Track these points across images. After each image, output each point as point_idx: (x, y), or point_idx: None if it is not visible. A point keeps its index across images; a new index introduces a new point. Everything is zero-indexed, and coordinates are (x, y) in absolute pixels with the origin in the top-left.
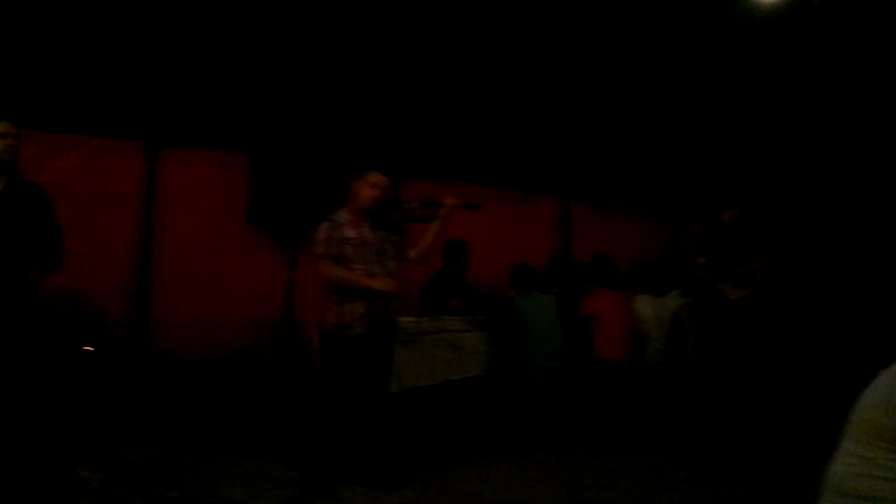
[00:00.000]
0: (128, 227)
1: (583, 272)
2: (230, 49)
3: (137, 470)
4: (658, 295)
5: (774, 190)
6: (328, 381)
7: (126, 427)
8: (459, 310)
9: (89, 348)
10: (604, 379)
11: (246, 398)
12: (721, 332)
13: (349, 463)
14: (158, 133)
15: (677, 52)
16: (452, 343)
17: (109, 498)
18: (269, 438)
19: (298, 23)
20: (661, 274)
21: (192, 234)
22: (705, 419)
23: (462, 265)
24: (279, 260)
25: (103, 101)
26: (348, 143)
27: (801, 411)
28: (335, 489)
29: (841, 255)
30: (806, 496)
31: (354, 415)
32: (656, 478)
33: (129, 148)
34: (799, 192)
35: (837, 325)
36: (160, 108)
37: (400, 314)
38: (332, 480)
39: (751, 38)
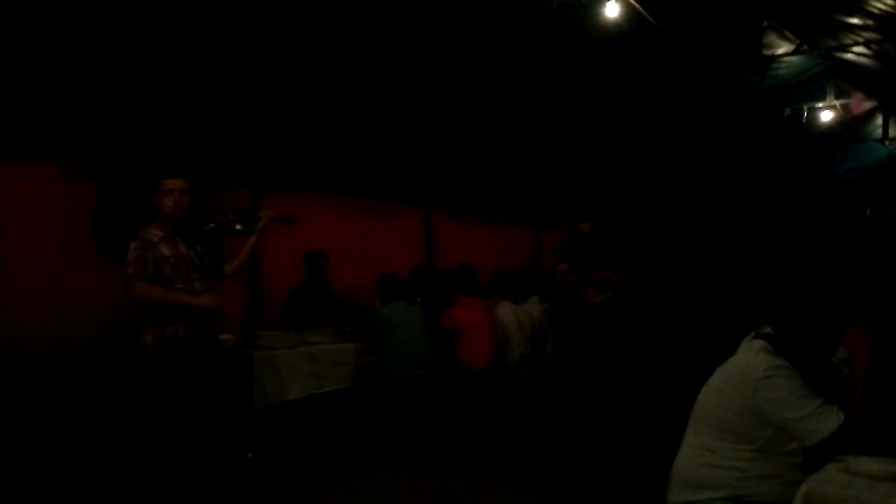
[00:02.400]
0: None
1: (447, 281)
2: (70, 54)
3: None
4: (519, 302)
5: (629, 200)
6: (150, 409)
7: None
8: (324, 321)
9: None
10: (469, 386)
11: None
12: (584, 334)
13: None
14: None
15: (527, 66)
16: (317, 356)
17: None
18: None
19: (142, 23)
20: (521, 281)
21: (39, 252)
22: (568, 420)
23: (323, 275)
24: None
25: None
26: (202, 152)
27: (657, 408)
28: None
29: (690, 262)
30: (662, 491)
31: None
32: (523, 481)
33: None
34: (652, 203)
35: (684, 326)
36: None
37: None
38: None
39: (596, 57)
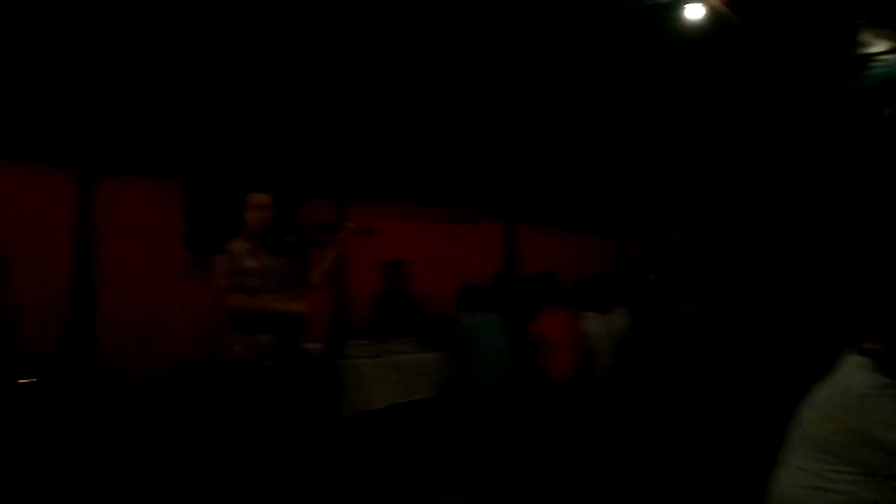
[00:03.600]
0: (64, 258)
1: (530, 290)
2: (162, 75)
3: None
4: (604, 312)
5: (716, 208)
6: (240, 417)
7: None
8: (407, 331)
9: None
10: (554, 397)
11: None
12: (676, 345)
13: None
14: (91, 160)
15: (614, 76)
16: (401, 365)
17: None
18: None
19: (228, 46)
20: (606, 291)
21: (133, 260)
22: (657, 435)
23: (401, 283)
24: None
25: (32, 127)
26: (289, 165)
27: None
28: None
29: (781, 272)
30: None
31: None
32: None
33: (59, 175)
34: (741, 210)
35: (777, 339)
36: (92, 136)
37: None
38: None
39: (688, 63)
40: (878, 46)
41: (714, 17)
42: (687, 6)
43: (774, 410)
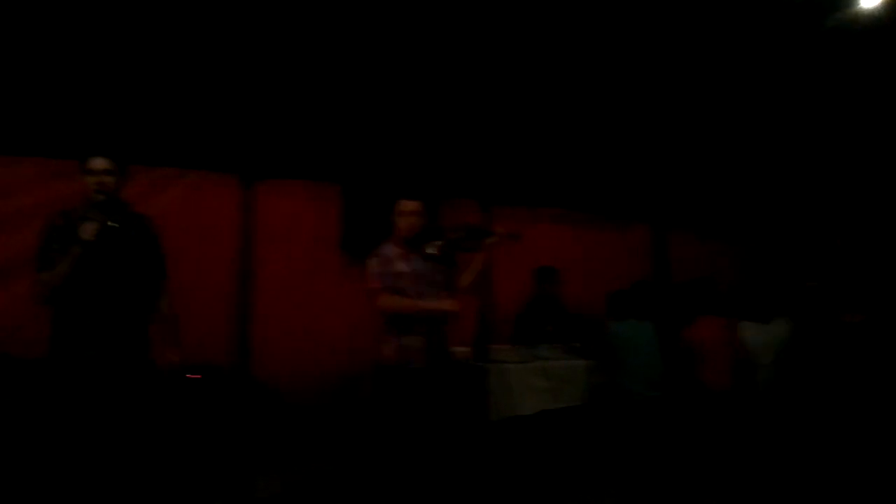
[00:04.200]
0: (227, 259)
1: (683, 297)
2: (321, 83)
3: None
4: (764, 321)
5: (879, 215)
6: (389, 418)
7: (241, 459)
8: (554, 337)
9: (195, 376)
10: (709, 409)
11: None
12: (843, 357)
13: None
14: (253, 166)
15: (769, 78)
16: (549, 371)
17: None
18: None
19: (382, 56)
20: (765, 298)
21: (289, 264)
22: (819, 456)
23: (554, 291)
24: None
25: (200, 135)
26: (437, 169)
27: None
28: None
29: None
30: None
31: (428, 451)
32: None
33: (225, 181)
34: None
35: None
36: (254, 142)
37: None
38: None
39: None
40: None
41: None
42: None
43: None
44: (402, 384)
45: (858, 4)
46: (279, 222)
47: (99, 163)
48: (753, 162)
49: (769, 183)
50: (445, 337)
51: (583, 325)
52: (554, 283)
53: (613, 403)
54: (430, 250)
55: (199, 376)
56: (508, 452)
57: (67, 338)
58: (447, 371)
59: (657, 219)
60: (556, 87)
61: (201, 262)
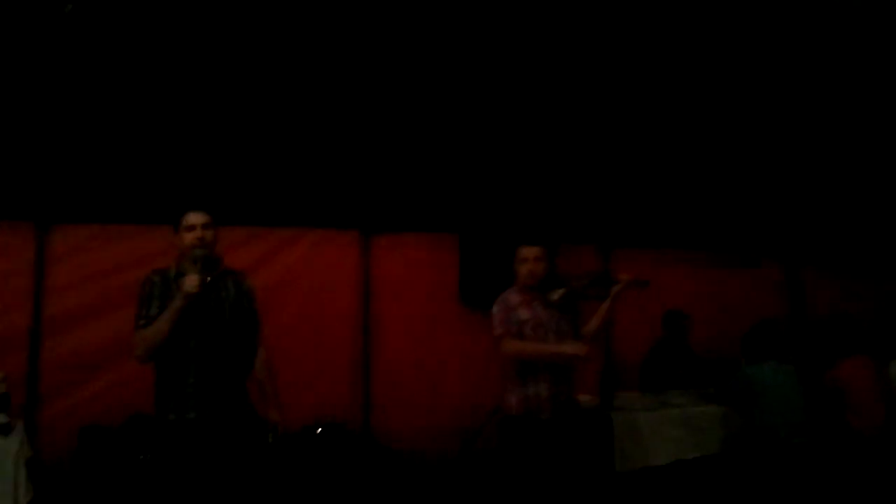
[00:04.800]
0: (347, 314)
1: (825, 336)
2: (435, 134)
3: None
4: None
5: None
6: (515, 471)
7: None
8: (685, 382)
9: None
10: (859, 455)
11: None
12: None
13: None
14: (371, 220)
15: None
16: (681, 419)
17: None
18: None
19: (494, 104)
20: None
21: (407, 317)
22: None
23: (683, 335)
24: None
25: (318, 194)
26: (554, 213)
27: None
28: None
29: None
30: None
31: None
32: None
33: (344, 237)
34: None
35: None
36: (371, 196)
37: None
38: None
39: None
40: None
41: None
42: None
43: None
44: (529, 436)
45: None
46: (397, 275)
47: (197, 217)
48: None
49: None
50: (572, 385)
51: (714, 369)
52: (684, 327)
53: (754, 451)
54: (553, 297)
55: (318, 432)
56: None
57: (173, 398)
58: (575, 421)
59: (790, 256)
60: (678, 123)
61: (323, 319)
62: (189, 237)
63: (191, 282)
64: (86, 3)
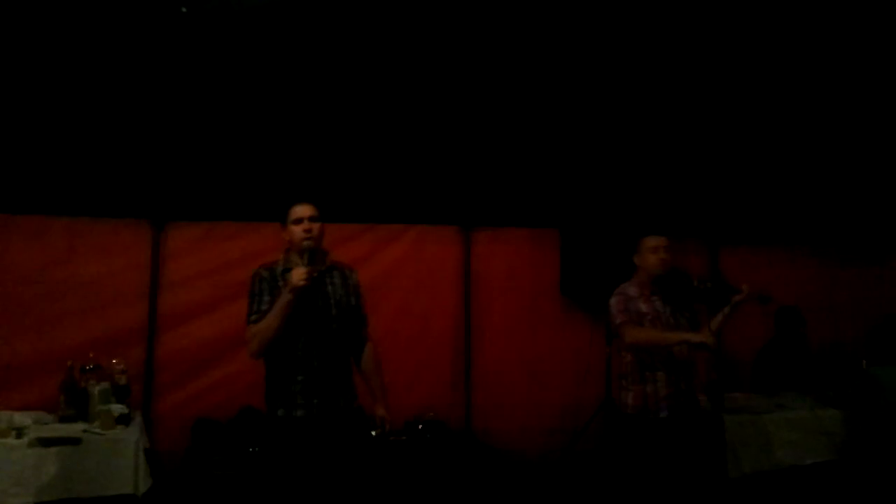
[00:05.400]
0: (448, 310)
1: None
2: (536, 130)
3: None
4: None
5: None
6: (632, 472)
7: None
8: (800, 384)
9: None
10: None
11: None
12: None
13: None
14: (471, 215)
15: None
16: (796, 422)
17: None
18: None
19: (595, 98)
20: None
21: (508, 312)
22: None
23: (798, 334)
24: (596, 336)
25: (420, 190)
26: (659, 210)
27: None
28: None
29: None
30: None
31: None
32: None
33: (446, 233)
34: None
35: None
36: (472, 191)
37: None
38: None
39: None
40: None
41: None
42: None
43: None
44: (646, 434)
45: None
46: (498, 271)
47: (305, 209)
48: None
49: None
50: (692, 384)
51: (833, 370)
52: (798, 325)
53: (878, 459)
54: (672, 294)
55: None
56: None
57: (282, 395)
58: (694, 421)
59: None
60: (795, 114)
61: (425, 315)
62: (296, 230)
63: (298, 275)
64: (200, 6)
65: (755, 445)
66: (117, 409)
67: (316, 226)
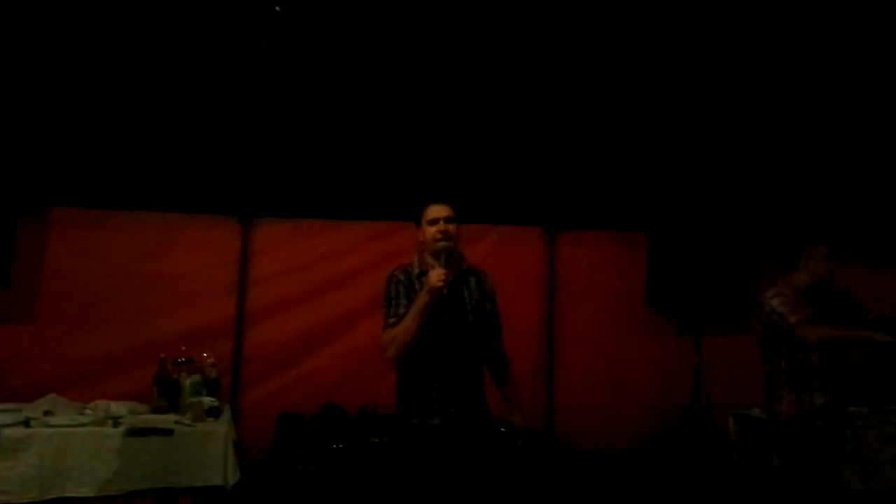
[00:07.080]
0: (531, 311)
1: None
2: (628, 132)
3: None
4: None
5: None
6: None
7: None
8: None
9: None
10: None
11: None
12: None
13: None
14: (556, 216)
15: None
16: None
17: None
18: None
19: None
20: None
21: (591, 316)
22: None
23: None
24: (683, 343)
25: (503, 190)
26: (751, 219)
27: None
28: None
29: None
30: None
31: None
32: None
33: (529, 233)
34: None
35: None
36: (557, 192)
37: None
38: None
39: None
40: None
41: None
42: None
43: None
44: (804, 441)
45: None
46: (582, 273)
47: (441, 209)
48: None
49: None
50: (846, 393)
51: None
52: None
53: None
54: (828, 311)
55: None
56: None
57: (417, 403)
58: (844, 429)
59: None
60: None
61: (508, 316)
62: (432, 231)
63: (437, 276)
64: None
65: (858, 460)
66: (208, 401)
67: (452, 226)
